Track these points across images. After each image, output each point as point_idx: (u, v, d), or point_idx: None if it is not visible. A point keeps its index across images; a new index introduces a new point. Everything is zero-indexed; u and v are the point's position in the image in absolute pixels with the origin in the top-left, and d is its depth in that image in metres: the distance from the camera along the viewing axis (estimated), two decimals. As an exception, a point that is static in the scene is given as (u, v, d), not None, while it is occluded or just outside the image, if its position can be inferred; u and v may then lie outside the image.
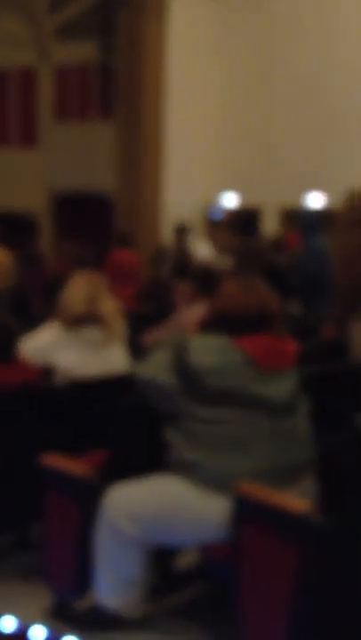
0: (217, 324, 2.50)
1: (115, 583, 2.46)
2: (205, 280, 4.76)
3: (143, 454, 2.58)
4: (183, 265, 10.55)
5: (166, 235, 12.15)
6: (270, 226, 10.68)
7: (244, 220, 6.69)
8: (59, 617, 2.64)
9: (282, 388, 2.45)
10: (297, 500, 2.26)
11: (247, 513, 2.27)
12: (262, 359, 2.41)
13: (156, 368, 2.44)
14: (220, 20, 12.54)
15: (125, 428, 2.61)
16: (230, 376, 2.37)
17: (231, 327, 2.44)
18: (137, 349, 3.96)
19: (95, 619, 2.51)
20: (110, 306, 3.73)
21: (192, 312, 4.46)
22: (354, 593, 2.18)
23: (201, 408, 2.35)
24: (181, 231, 11.32)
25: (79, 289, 3.60)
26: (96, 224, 12.53)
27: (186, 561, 2.75)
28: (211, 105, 12.48)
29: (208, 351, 2.39)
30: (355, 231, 3.74)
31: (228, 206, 12.00)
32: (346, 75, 11.69)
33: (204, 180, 12.61)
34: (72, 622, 2.60)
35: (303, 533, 2.15)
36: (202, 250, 9.33)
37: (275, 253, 7.01)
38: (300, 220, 6.54)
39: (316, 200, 11.80)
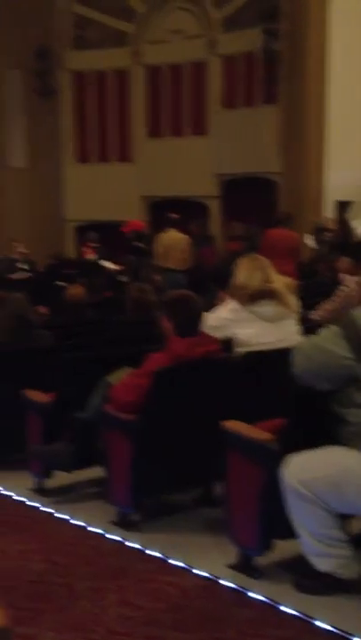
0: None
1: (317, 544, 2.43)
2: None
3: (319, 424, 2.52)
4: (343, 241, 10.21)
5: (328, 213, 11.81)
6: None
7: None
8: (243, 571, 2.67)
9: None
10: None
11: None
12: None
13: (329, 340, 2.38)
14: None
15: (300, 398, 2.57)
16: None
17: None
18: (305, 323, 3.90)
19: (313, 580, 2.47)
20: (282, 282, 3.69)
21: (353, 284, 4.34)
22: None
23: None
24: (342, 209, 10.93)
25: (250, 269, 3.60)
26: (262, 205, 12.43)
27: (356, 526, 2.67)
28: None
29: None
30: None
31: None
32: None
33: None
34: (255, 577, 2.63)
35: None
36: (361, 227, 8.97)
37: None
38: None
39: None
